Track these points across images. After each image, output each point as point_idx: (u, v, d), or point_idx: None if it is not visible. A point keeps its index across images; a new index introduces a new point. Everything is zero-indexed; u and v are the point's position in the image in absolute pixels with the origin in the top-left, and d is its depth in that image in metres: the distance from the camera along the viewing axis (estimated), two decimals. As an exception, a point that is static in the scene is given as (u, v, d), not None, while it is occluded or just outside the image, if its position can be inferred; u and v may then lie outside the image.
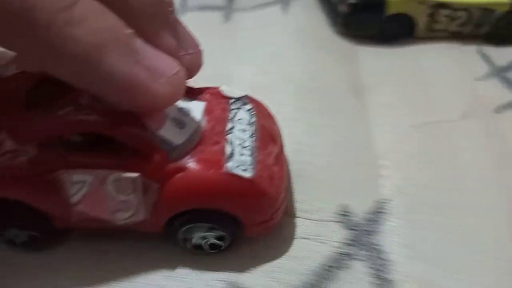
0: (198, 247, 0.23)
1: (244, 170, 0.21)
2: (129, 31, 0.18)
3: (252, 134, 0.22)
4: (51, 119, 0.20)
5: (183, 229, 0.22)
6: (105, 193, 0.20)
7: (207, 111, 0.22)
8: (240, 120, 0.23)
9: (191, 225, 0.22)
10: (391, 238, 0.24)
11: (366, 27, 0.37)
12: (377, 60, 0.36)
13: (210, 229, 0.22)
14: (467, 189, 0.27)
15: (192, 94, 0.23)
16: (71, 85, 0.18)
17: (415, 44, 0.38)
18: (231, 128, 0.22)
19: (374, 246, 0.24)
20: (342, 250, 0.24)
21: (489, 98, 0.33)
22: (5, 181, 0.20)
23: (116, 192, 0.20)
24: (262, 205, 0.21)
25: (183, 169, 0.20)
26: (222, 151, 0.21)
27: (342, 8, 0.37)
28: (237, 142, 0.22)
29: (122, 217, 0.21)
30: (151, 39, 0.19)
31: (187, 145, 0.21)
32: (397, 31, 0.38)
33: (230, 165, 0.21)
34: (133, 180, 0.20)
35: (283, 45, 0.36)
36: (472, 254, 0.24)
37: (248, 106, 0.24)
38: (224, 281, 0.22)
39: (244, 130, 0.22)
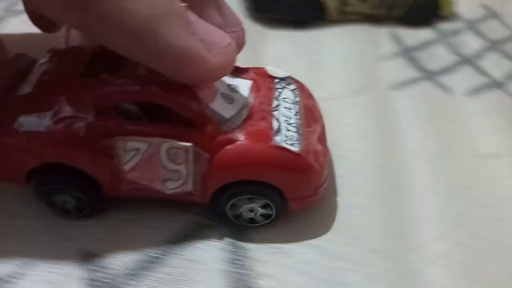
0: (251, 220, 0.23)
1: (292, 144, 0.21)
2: (183, 4, 0.18)
3: (296, 112, 0.23)
4: (109, 87, 0.20)
5: (230, 202, 0.22)
6: (157, 161, 0.21)
7: (254, 89, 0.23)
8: (285, 99, 0.23)
9: (238, 198, 0.22)
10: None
11: (275, 10, 0.38)
12: (284, 43, 0.36)
13: (257, 204, 0.22)
14: (343, 166, 0.27)
15: (239, 73, 0.24)
16: (126, 58, 0.19)
17: (328, 27, 0.38)
18: (277, 106, 0.23)
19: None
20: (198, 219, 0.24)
21: (388, 76, 0.34)
22: (62, 147, 0.21)
23: (168, 161, 0.21)
24: (307, 180, 0.22)
25: (233, 141, 0.21)
26: (270, 126, 0.22)
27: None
28: (283, 118, 0.22)
29: (171, 187, 0.22)
30: (199, 17, 0.19)
31: (236, 119, 0.21)
32: (308, 15, 0.38)
33: (278, 139, 0.21)
34: (186, 149, 0.21)
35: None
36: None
37: (292, 86, 0.24)
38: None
39: (289, 108, 0.23)
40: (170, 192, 0.22)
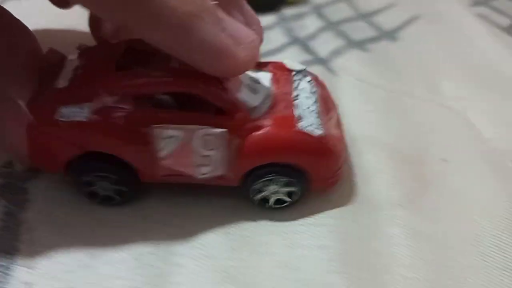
0: (265, 200, 0.25)
1: (315, 129, 0.23)
2: (213, 2, 0.20)
3: (315, 101, 0.25)
4: (145, 78, 0.22)
5: (259, 182, 0.24)
6: (192, 148, 0.22)
7: (274, 81, 0.25)
8: (303, 89, 0.25)
9: (266, 179, 0.24)
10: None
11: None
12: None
13: (283, 185, 0.24)
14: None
15: (259, 66, 0.26)
16: (156, 52, 0.21)
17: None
18: (297, 95, 0.25)
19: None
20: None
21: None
22: (103, 136, 0.22)
23: (201, 147, 0.22)
24: (329, 161, 0.24)
25: (261, 127, 0.23)
26: (293, 113, 0.23)
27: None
28: (303, 106, 0.24)
29: (203, 172, 0.23)
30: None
31: (262, 107, 0.23)
32: None
33: (302, 124, 0.23)
34: (219, 135, 0.22)
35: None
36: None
37: (308, 78, 0.26)
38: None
39: (308, 97, 0.25)
40: (202, 177, 0.24)
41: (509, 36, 0.40)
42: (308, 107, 0.24)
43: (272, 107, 0.24)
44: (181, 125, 0.22)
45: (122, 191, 0.24)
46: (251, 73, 0.24)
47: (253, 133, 0.23)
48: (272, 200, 0.25)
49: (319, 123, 0.23)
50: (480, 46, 0.38)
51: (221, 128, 0.22)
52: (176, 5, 0.19)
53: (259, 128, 0.23)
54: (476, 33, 0.40)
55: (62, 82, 0.23)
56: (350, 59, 0.36)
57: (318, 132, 0.23)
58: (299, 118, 0.23)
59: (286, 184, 0.24)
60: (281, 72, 0.26)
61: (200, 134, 0.22)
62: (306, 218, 0.25)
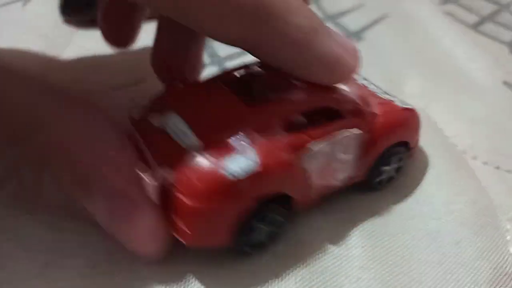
0: (380, 182, 0.26)
1: (407, 104, 0.26)
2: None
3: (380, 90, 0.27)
4: (284, 104, 0.21)
5: (383, 167, 0.25)
6: (334, 157, 0.22)
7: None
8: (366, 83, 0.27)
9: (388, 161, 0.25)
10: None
11: (81, 13, 0.39)
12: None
13: (396, 161, 0.26)
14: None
15: None
16: (257, 79, 0.22)
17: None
18: (372, 90, 0.26)
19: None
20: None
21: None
22: (277, 178, 0.20)
23: (342, 153, 0.23)
24: (419, 128, 0.26)
25: (377, 116, 0.24)
26: (386, 100, 0.25)
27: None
28: (385, 95, 0.26)
29: (340, 177, 0.23)
30: None
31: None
32: None
33: (401, 104, 0.25)
34: (358, 136, 0.23)
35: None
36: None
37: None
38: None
39: (376, 87, 0.27)
40: (337, 183, 0.24)
41: (476, 34, 0.40)
42: (381, 90, 0.26)
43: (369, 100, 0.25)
44: (324, 139, 0.22)
45: (274, 233, 0.22)
46: None
47: (376, 124, 0.24)
48: (385, 180, 0.26)
49: (403, 100, 0.26)
50: (446, 45, 0.38)
51: (357, 128, 0.23)
52: (300, 22, 0.20)
53: (376, 117, 0.24)
54: (442, 31, 0.40)
55: (187, 138, 0.20)
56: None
57: (411, 106, 0.25)
58: (393, 100, 0.25)
59: (399, 160, 0.26)
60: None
61: (343, 140, 0.22)
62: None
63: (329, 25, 0.40)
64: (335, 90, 0.23)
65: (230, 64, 0.36)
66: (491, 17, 0.43)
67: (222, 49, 0.37)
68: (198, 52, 0.29)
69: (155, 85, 0.27)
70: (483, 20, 0.42)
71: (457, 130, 0.30)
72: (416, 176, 0.27)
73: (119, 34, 0.30)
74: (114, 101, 0.26)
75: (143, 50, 0.30)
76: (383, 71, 0.35)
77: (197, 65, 0.29)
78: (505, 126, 0.31)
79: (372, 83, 0.27)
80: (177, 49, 0.28)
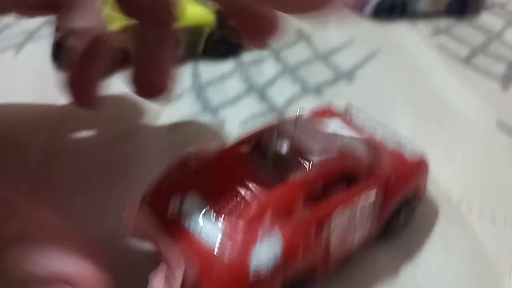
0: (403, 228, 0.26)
1: (415, 151, 0.26)
2: None
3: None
4: (308, 179, 0.21)
5: (397, 219, 0.25)
6: (353, 223, 0.22)
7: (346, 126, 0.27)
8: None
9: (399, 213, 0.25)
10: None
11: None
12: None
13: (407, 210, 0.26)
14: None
15: (319, 116, 0.28)
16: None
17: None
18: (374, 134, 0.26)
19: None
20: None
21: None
22: (305, 258, 0.20)
23: (361, 217, 0.23)
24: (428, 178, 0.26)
25: (388, 170, 0.24)
26: (393, 149, 0.25)
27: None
28: (391, 141, 0.26)
29: (357, 240, 0.23)
30: None
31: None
32: None
33: (410, 153, 0.25)
34: (374, 200, 0.23)
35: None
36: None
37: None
38: None
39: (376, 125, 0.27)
40: (355, 246, 0.23)
41: (466, 69, 0.40)
42: (389, 132, 0.26)
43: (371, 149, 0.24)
44: (345, 207, 0.21)
45: None
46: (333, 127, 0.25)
47: (389, 182, 0.23)
48: (397, 230, 0.26)
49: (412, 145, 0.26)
50: (436, 82, 0.38)
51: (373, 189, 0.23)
52: None
53: (385, 171, 0.24)
54: (432, 67, 0.40)
55: (212, 233, 0.19)
56: (305, 106, 0.36)
57: (418, 152, 0.26)
58: (399, 147, 0.25)
59: (410, 211, 0.26)
60: (333, 115, 0.27)
61: (362, 205, 0.22)
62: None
63: (321, 65, 0.42)
64: (349, 157, 0.22)
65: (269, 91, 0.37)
66: (482, 48, 0.43)
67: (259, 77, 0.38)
68: (172, 59, 0.28)
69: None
70: (475, 52, 0.42)
71: (451, 179, 0.30)
72: (412, 235, 0.27)
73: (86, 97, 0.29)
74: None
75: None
76: (375, 111, 0.35)
77: (172, 72, 0.28)
78: (498, 173, 0.31)
79: (379, 123, 0.27)
80: (153, 61, 0.27)
